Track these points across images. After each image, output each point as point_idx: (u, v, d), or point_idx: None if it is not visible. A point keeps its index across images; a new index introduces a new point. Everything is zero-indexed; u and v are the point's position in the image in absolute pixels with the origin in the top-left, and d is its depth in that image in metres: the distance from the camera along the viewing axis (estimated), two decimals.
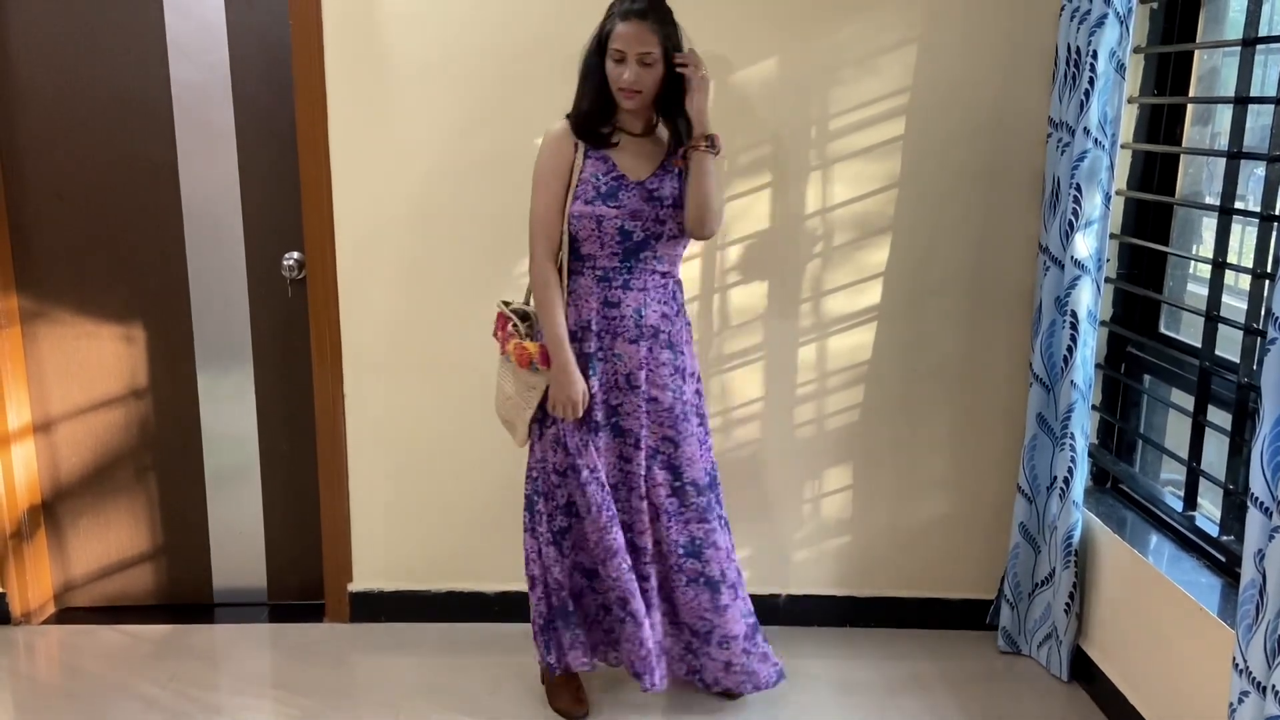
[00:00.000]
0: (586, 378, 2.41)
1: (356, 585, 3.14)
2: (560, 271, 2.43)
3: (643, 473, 2.46)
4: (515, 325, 2.48)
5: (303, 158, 2.87)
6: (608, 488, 2.45)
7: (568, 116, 2.42)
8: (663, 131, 2.48)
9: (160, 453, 3.15)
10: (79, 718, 2.65)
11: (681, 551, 2.51)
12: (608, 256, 2.41)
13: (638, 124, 2.44)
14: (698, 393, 2.55)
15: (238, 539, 3.22)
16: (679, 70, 2.32)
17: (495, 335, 2.56)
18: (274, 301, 3.06)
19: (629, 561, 2.47)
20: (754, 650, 2.61)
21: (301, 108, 2.84)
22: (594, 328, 2.42)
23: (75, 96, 2.92)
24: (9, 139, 2.94)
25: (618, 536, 2.45)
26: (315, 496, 3.11)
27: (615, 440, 2.47)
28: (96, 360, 3.08)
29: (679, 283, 2.52)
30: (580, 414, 2.40)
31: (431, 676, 2.85)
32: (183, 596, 3.25)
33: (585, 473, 2.44)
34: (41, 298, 3.03)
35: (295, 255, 3.01)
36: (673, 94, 2.37)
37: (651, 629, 2.51)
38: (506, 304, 2.55)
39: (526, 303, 2.57)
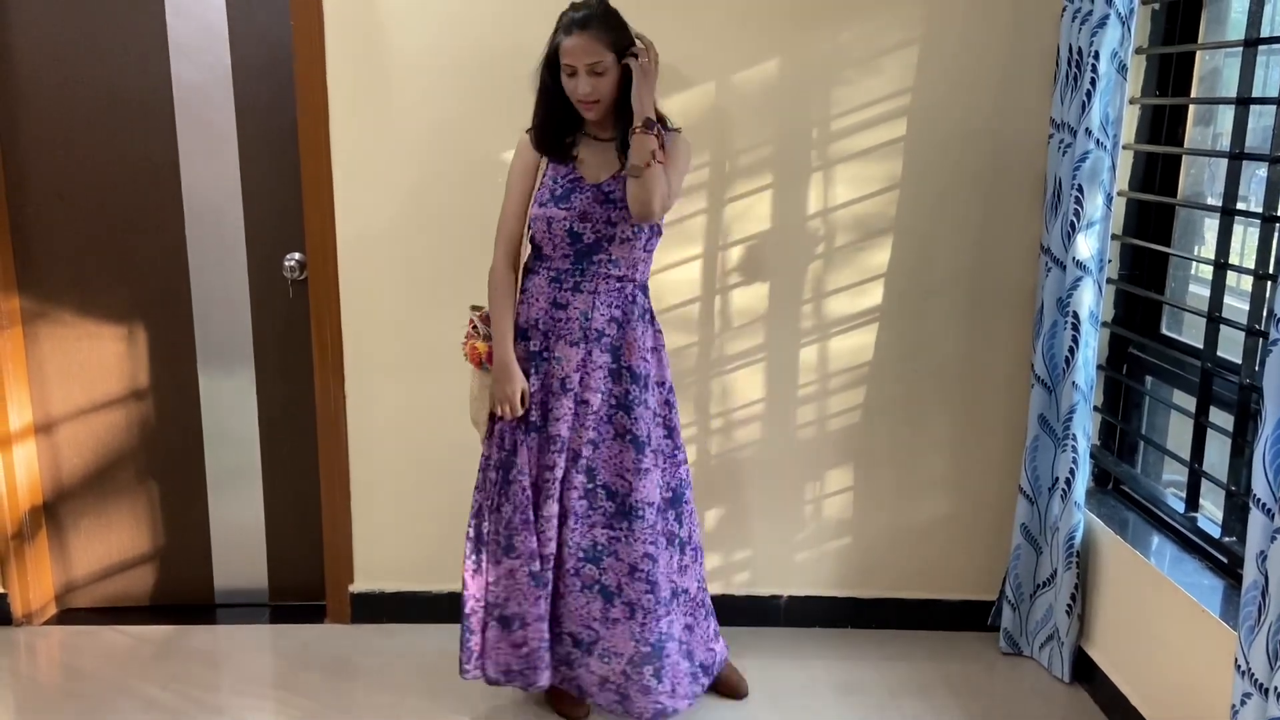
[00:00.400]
0: (527, 375, 2.44)
1: (358, 586, 3.14)
2: (518, 272, 2.48)
3: (560, 476, 2.44)
4: (476, 326, 2.51)
5: (304, 158, 2.87)
6: (529, 490, 2.44)
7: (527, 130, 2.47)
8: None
9: (161, 453, 3.15)
10: (80, 718, 2.65)
11: (581, 555, 2.47)
12: (560, 258, 2.43)
13: (605, 128, 2.43)
14: (667, 403, 2.52)
15: (239, 539, 3.22)
16: (627, 63, 2.30)
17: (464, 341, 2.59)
18: (275, 302, 3.06)
19: (532, 567, 2.45)
20: (637, 680, 2.48)
21: (303, 108, 2.84)
22: (540, 327, 2.44)
23: (76, 97, 2.93)
24: (10, 139, 2.94)
25: (528, 540, 2.44)
26: (316, 497, 3.11)
27: (542, 442, 2.46)
28: (98, 361, 3.08)
29: (642, 288, 2.48)
30: (519, 411, 2.42)
31: (432, 678, 2.85)
32: (184, 597, 3.25)
33: (513, 471, 2.45)
34: (43, 298, 3.04)
35: (296, 256, 3.01)
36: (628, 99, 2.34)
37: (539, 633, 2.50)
38: (476, 309, 2.56)
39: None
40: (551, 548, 2.46)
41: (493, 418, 2.49)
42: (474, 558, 2.53)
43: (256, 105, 2.95)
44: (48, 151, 2.96)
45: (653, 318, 2.52)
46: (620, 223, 2.39)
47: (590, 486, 2.46)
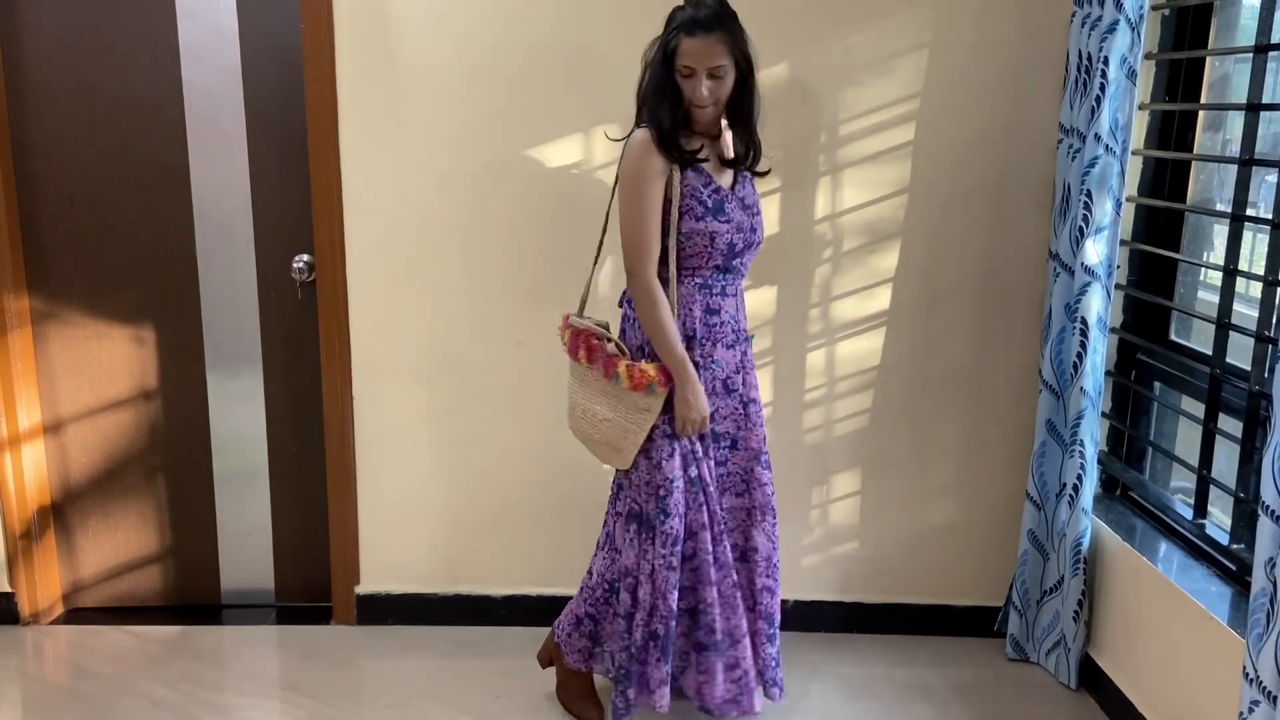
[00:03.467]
0: None
1: (364, 588, 3.14)
2: (667, 284, 2.34)
3: (740, 473, 2.48)
4: (617, 345, 2.37)
5: (313, 161, 2.88)
6: (717, 496, 2.42)
7: (645, 127, 2.28)
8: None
9: (169, 454, 3.16)
10: (87, 718, 2.66)
11: (766, 553, 2.50)
12: (710, 268, 2.36)
13: (715, 127, 2.37)
14: None
15: (246, 540, 3.23)
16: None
17: (576, 355, 2.41)
18: (284, 304, 3.07)
19: (734, 576, 2.42)
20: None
21: (312, 111, 2.85)
22: (697, 335, 2.37)
23: (87, 99, 2.94)
24: (22, 141, 2.95)
25: (726, 549, 2.41)
26: (323, 499, 3.11)
27: (712, 446, 2.43)
28: (106, 361, 3.09)
29: None
30: (706, 427, 2.36)
31: (438, 679, 2.85)
32: (191, 598, 3.26)
33: (705, 485, 2.38)
34: (52, 299, 3.05)
35: (305, 258, 3.02)
36: (740, 98, 2.31)
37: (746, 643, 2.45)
38: (581, 318, 2.45)
39: (581, 312, 2.51)
40: (738, 538, 2.49)
41: (652, 439, 2.36)
42: (674, 584, 2.36)
43: (266, 107, 2.95)
44: (58, 154, 2.97)
45: None
46: (758, 228, 2.41)
47: (765, 481, 2.49)
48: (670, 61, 2.22)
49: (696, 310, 2.37)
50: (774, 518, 2.50)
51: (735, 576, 2.43)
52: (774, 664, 2.54)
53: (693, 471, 2.37)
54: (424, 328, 2.97)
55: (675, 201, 2.28)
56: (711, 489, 2.39)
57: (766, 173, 2.46)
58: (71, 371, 3.09)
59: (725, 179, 2.37)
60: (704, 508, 2.38)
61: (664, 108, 2.24)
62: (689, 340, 2.36)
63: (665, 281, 2.33)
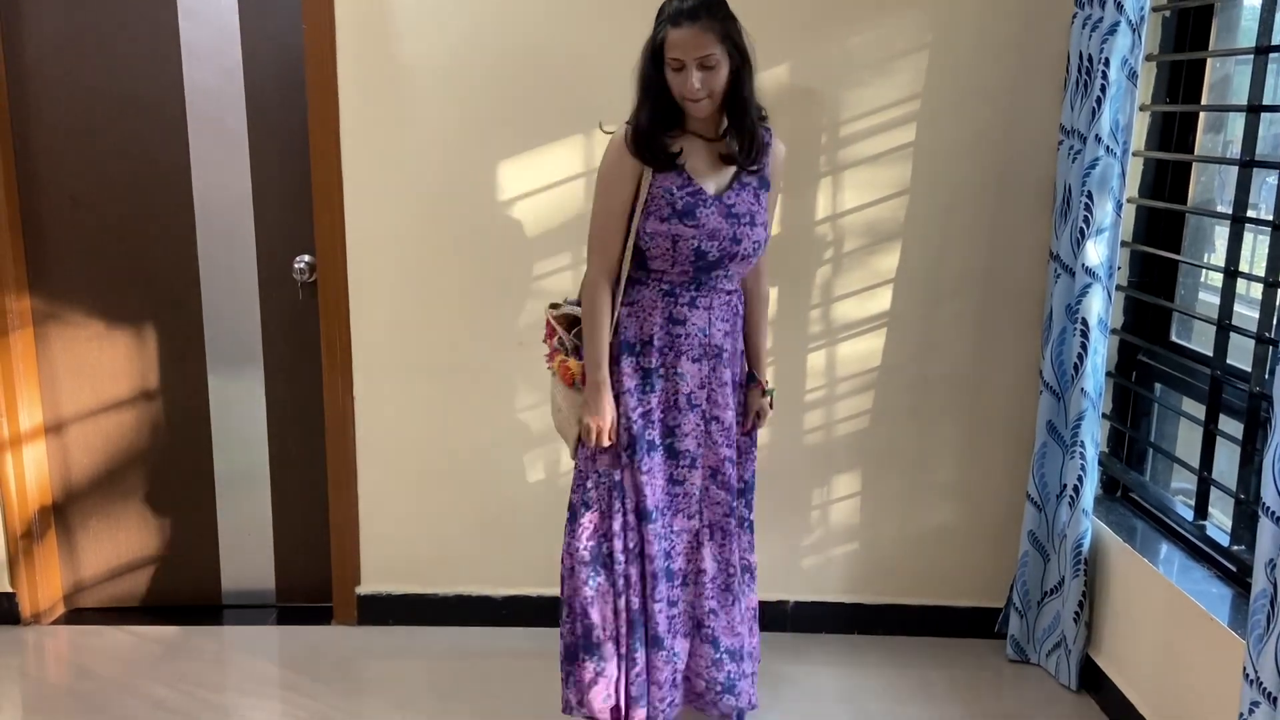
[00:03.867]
0: (645, 393, 2.29)
1: (365, 588, 3.14)
2: (619, 281, 2.29)
3: (697, 494, 2.36)
4: (561, 340, 2.37)
5: (314, 161, 2.88)
6: (654, 511, 2.31)
7: (628, 124, 2.24)
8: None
9: (170, 454, 3.16)
10: (87, 718, 2.66)
11: (731, 572, 2.40)
12: (678, 274, 2.26)
13: (711, 127, 2.26)
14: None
15: (247, 541, 3.23)
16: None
17: (545, 341, 2.45)
18: (285, 304, 3.07)
19: (665, 588, 2.34)
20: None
21: (314, 111, 2.85)
22: (656, 343, 2.28)
23: (89, 100, 2.94)
24: (24, 142, 2.96)
25: (634, 572, 2.33)
26: (324, 499, 3.11)
27: (668, 462, 2.33)
28: (108, 361, 3.09)
29: (741, 295, 2.40)
30: (605, 443, 2.28)
31: (439, 680, 2.85)
32: (191, 598, 3.26)
33: (639, 493, 2.30)
34: (54, 299, 3.05)
35: (306, 258, 3.02)
36: (737, 91, 2.21)
37: (673, 657, 2.37)
38: (555, 307, 2.42)
39: (577, 303, 2.41)
40: (681, 563, 2.37)
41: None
42: (596, 580, 2.33)
43: (268, 108, 2.96)
44: (60, 154, 2.97)
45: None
46: (744, 239, 2.24)
47: (735, 503, 2.38)
48: (659, 56, 2.16)
49: (657, 316, 2.27)
50: (727, 539, 2.38)
51: (634, 601, 2.32)
52: (723, 689, 2.40)
53: (617, 476, 2.30)
54: (425, 328, 2.97)
55: (641, 202, 2.22)
56: (644, 502, 2.29)
57: (756, 170, 2.29)
58: (73, 372, 3.09)
59: (718, 181, 2.26)
60: (620, 515, 2.30)
61: (645, 106, 2.20)
62: (646, 346, 2.29)
63: (623, 281, 2.29)
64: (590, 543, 2.34)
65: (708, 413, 2.34)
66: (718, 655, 2.40)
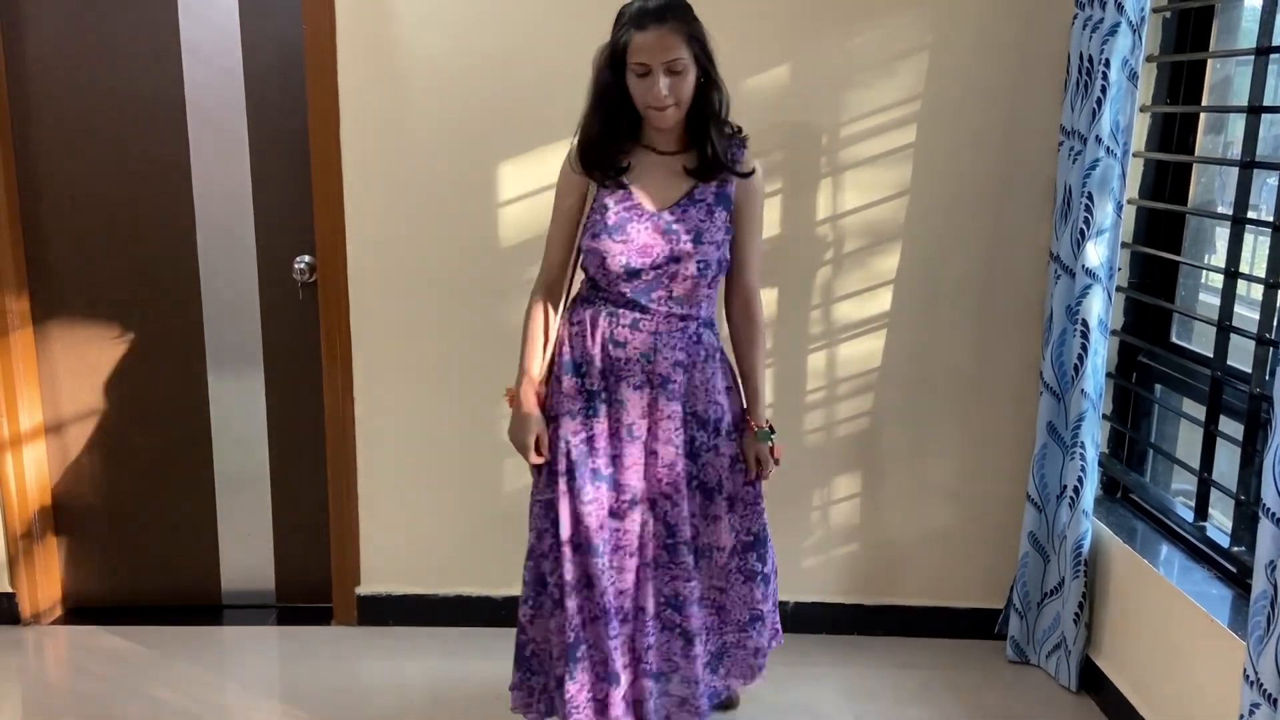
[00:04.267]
0: (589, 417, 2.20)
1: (364, 588, 3.14)
2: (565, 296, 2.27)
3: (637, 530, 2.22)
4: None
5: (315, 161, 2.88)
6: (595, 543, 2.19)
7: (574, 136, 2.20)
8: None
9: (170, 454, 3.16)
10: (87, 718, 2.66)
11: (663, 601, 2.28)
12: (616, 294, 2.17)
13: (670, 139, 2.16)
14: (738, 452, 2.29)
15: (247, 541, 3.23)
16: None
17: None
18: (285, 305, 3.07)
19: (617, 626, 2.24)
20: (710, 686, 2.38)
21: (314, 112, 2.85)
22: (598, 365, 2.18)
23: (89, 99, 2.94)
24: (23, 141, 2.96)
25: (607, 598, 2.22)
26: (324, 499, 3.11)
27: (610, 493, 2.22)
28: (108, 362, 3.09)
29: (707, 324, 2.23)
30: (532, 459, 2.21)
31: (439, 680, 2.85)
32: (192, 598, 3.26)
33: (579, 522, 2.19)
34: (54, 300, 3.05)
35: (306, 259, 3.02)
36: (702, 99, 2.10)
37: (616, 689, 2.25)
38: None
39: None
40: (625, 601, 2.24)
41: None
42: (528, 602, 2.32)
43: (268, 108, 2.96)
44: (60, 154, 2.97)
45: (724, 354, 2.29)
46: (684, 259, 2.12)
47: (672, 542, 2.24)
48: (621, 62, 2.04)
49: (598, 336, 2.18)
50: (672, 577, 2.25)
51: (573, 634, 2.21)
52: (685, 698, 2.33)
53: (550, 495, 2.23)
54: (425, 329, 2.97)
55: (583, 218, 2.17)
56: (587, 533, 2.19)
57: (731, 175, 2.17)
58: (73, 372, 3.09)
59: (665, 197, 2.14)
60: (549, 537, 2.25)
61: (597, 115, 2.11)
62: (589, 366, 2.19)
63: (573, 300, 2.27)
64: (529, 563, 2.32)
65: (648, 445, 2.20)
66: (662, 688, 2.32)
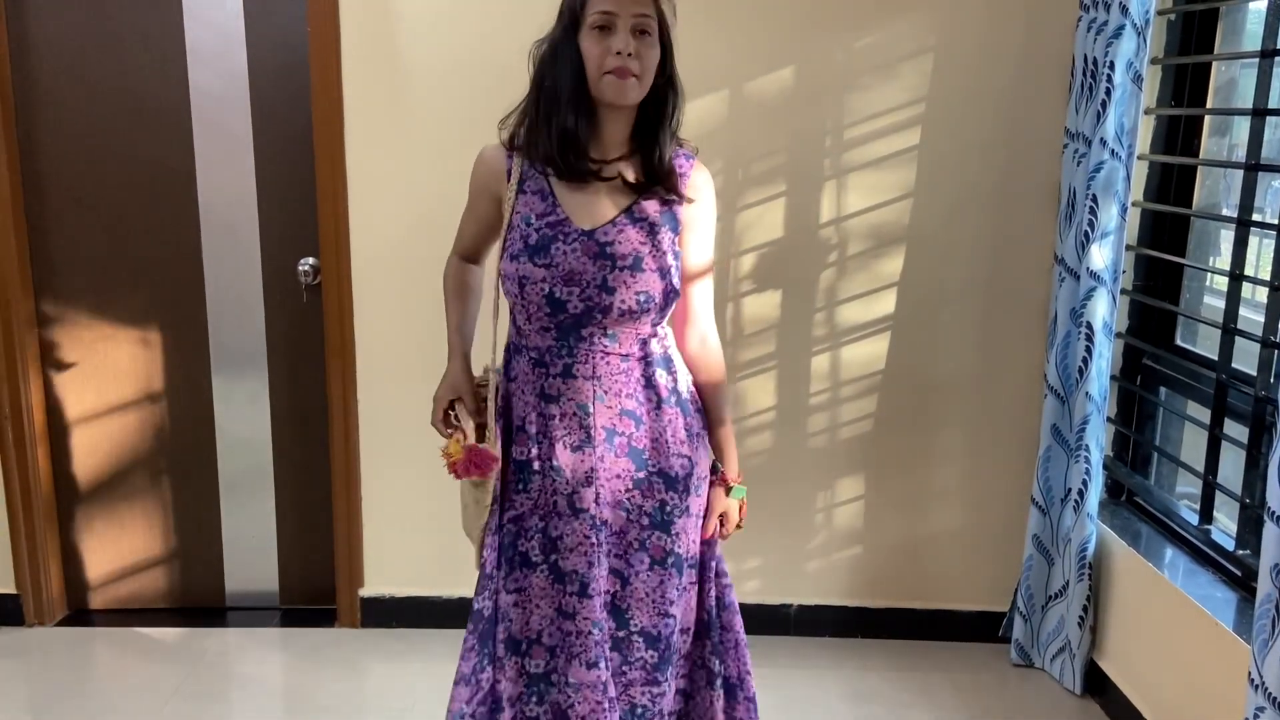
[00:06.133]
0: (518, 493, 1.85)
1: (368, 590, 3.14)
2: (479, 263, 1.99)
3: (595, 633, 1.80)
4: (455, 417, 1.89)
5: (319, 164, 2.88)
6: (521, 664, 1.89)
7: (501, 125, 1.88)
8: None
9: (174, 456, 3.16)
10: (91, 719, 2.67)
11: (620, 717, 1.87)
12: (538, 333, 1.78)
13: (618, 135, 1.78)
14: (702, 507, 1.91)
15: (250, 543, 3.23)
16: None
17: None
18: (289, 307, 3.07)
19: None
20: None
21: (318, 114, 2.85)
22: (530, 429, 1.81)
23: (94, 102, 2.95)
24: (29, 144, 2.96)
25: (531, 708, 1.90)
26: (328, 501, 3.11)
27: (555, 587, 1.84)
28: (112, 363, 3.09)
29: (662, 360, 1.83)
30: (437, 417, 1.89)
31: (442, 682, 2.83)
32: (195, 600, 3.26)
33: (512, 622, 1.87)
34: (59, 301, 3.05)
35: (310, 261, 3.02)
36: (656, 105, 1.77)
37: None
38: (481, 382, 1.93)
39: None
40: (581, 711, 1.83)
41: (486, 547, 1.91)
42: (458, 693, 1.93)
43: (273, 111, 2.96)
44: (65, 156, 2.98)
45: (683, 400, 1.87)
46: (620, 288, 1.73)
47: (622, 635, 1.85)
48: (576, 24, 1.71)
49: (529, 395, 1.81)
50: (627, 681, 1.87)
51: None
52: None
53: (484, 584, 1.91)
54: (429, 331, 2.96)
55: (503, 229, 1.79)
56: (524, 631, 1.89)
57: (666, 203, 1.81)
58: (77, 373, 3.10)
59: (599, 212, 1.76)
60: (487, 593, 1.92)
61: (565, 76, 1.73)
62: (520, 433, 1.83)
63: (504, 349, 1.89)
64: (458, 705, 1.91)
65: (597, 518, 1.80)
66: None
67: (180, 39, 2.91)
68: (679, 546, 1.85)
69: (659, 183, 1.78)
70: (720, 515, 1.93)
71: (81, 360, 3.09)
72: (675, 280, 1.80)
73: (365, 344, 2.99)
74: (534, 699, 1.89)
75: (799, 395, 2.99)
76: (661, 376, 1.83)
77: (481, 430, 1.86)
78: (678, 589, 1.86)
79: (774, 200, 2.87)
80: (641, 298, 1.75)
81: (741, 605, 3.09)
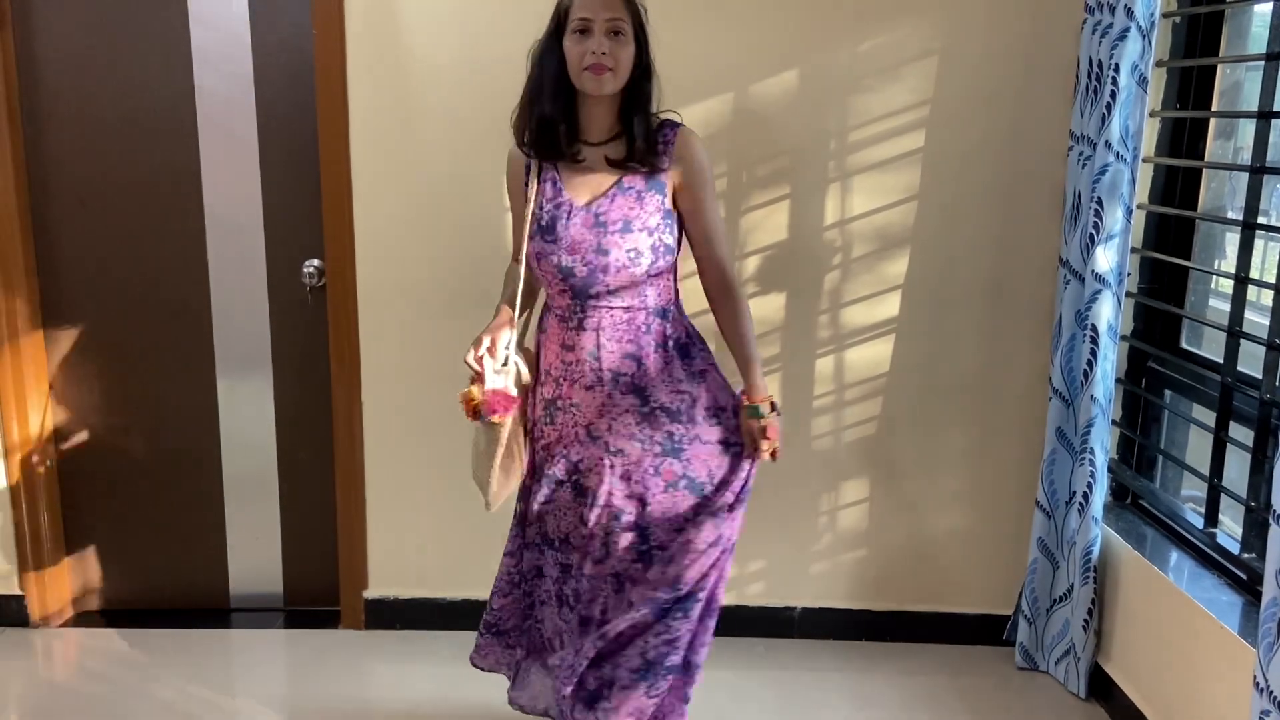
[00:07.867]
0: (546, 425, 2.20)
1: (372, 592, 3.14)
2: (541, 305, 2.28)
3: (602, 535, 2.15)
4: (481, 360, 2.16)
5: (324, 166, 2.89)
6: (556, 555, 2.24)
7: (511, 122, 2.16)
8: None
9: (179, 458, 3.17)
10: None
11: (638, 619, 2.15)
12: (558, 295, 2.14)
13: (603, 121, 2.10)
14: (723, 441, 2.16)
15: (254, 545, 3.23)
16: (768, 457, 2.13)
17: None
18: (294, 309, 3.08)
19: (568, 640, 2.22)
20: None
21: (323, 117, 2.86)
22: (554, 373, 2.18)
23: (100, 105, 2.96)
24: (34, 147, 2.97)
25: (560, 613, 2.26)
26: (332, 503, 3.12)
27: (575, 500, 2.19)
28: (117, 365, 3.10)
29: (660, 313, 2.14)
30: (474, 355, 2.14)
31: (445, 684, 2.85)
32: (199, 602, 3.27)
33: (543, 522, 2.24)
34: (63, 303, 3.06)
35: (315, 263, 3.03)
36: (636, 83, 2.07)
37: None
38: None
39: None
40: (594, 610, 2.18)
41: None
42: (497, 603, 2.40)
43: (278, 113, 2.97)
44: (71, 159, 2.99)
45: (680, 344, 2.17)
46: (614, 249, 2.06)
47: (644, 548, 2.14)
48: (561, 28, 2.04)
49: (554, 345, 2.18)
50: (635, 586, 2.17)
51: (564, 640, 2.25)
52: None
53: (531, 513, 2.26)
54: (433, 333, 2.97)
55: (529, 216, 2.13)
56: (547, 531, 2.25)
57: (647, 172, 2.09)
58: (82, 375, 3.10)
59: (594, 189, 2.10)
60: (517, 539, 2.34)
61: (546, 79, 2.06)
62: (547, 376, 2.20)
63: (544, 311, 2.24)
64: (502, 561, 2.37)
65: (611, 445, 2.14)
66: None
67: (186, 41, 2.92)
68: (691, 470, 2.13)
69: (636, 159, 2.07)
70: (750, 436, 2.16)
71: (86, 362, 3.09)
72: (665, 238, 2.10)
73: (370, 346, 2.99)
74: (569, 582, 2.24)
75: (804, 397, 2.99)
76: (658, 325, 2.14)
77: (510, 360, 2.16)
78: (694, 509, 2.14)
79: (778, 203, 2.87)
80: (631, 254, 2.06)
81: (746, 608, 3.11)
